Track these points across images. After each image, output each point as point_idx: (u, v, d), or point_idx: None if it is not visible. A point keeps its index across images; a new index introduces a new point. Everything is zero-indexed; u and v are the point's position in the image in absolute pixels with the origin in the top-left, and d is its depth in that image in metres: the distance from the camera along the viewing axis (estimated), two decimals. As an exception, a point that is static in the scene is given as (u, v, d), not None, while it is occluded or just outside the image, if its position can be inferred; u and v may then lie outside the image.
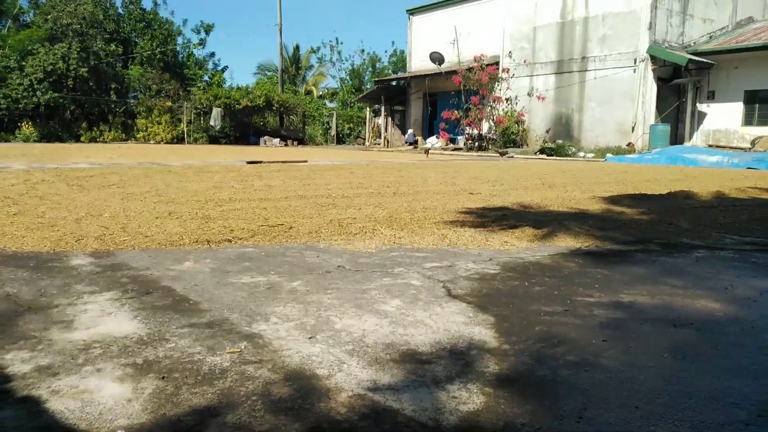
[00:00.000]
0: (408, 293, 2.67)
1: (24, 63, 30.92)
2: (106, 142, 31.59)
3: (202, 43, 45.40)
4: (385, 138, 32.38)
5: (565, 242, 3.92)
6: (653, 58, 21.03)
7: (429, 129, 31.36)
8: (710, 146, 20.34)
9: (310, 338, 2.08)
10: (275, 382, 1.72)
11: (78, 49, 31.91)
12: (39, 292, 2.62)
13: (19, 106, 30.72)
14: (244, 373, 1.78)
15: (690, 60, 20.30)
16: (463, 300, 2.57)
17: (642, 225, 4.63)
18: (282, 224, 4.41)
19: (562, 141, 23.08)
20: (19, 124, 31.63)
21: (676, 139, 21.65)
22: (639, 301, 2.61)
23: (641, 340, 2.10)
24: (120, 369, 1.80)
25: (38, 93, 30.62)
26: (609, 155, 19.34)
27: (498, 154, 21.33)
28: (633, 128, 21.55)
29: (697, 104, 21.90)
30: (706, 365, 1.88)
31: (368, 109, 35.49)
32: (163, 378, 1.73)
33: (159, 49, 38.92)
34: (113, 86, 34.23)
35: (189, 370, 1.79)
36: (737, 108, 21.23)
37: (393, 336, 2.12)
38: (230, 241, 3.83)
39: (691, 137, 21.84)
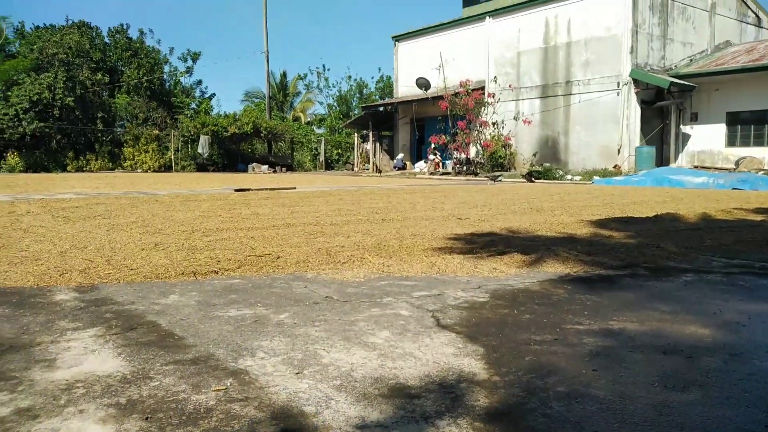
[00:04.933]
0: (397, 324, 2.65)
1: (9, 93, 30.89)
2: (92, 172, 31.47)
3: (188, 71, 45.64)
4: (373, 163, 32.53)
5: (554, 268, 3.92)
6: (636, 82, 21.41)
7: (417, 154, 31.56)
8: (695, 167, 20.61)
9: (297, 374, 2.05)
10: (261, 420, 1.68)
11: (64, 79, 31.97)
12: (21, 329, 2.57)
13: (5, 136, 30.61)
14: (229, 411, 1.74)
15: (672, 83, 20.69)
16: (453, 330, 2.55)
17: (630, 249, 4.65)
18: (269, 254, 4.38)
19: (549, 164, 23.30)
20: (4, 154, 31.49)
21: (662, 160, 21.93)
22: (628, 328, 2.60)
23: (631, 369, 2.09)
24: (103, 410, 1.75)
25: (24, 123, 30.55)
26: (596, 178, 19.53)
27: (488, 179, 21.43)
28: (619, 150, 21.82)
29: (681, 126, 22.25)
30: (696, 394, 1.86)
31: (356, 134, 35.69)
32: (146, 419, 1.69)
33: (146, 78, 39.06)
34: (100, 115, 34.24)
35: (173, 410, 1.75)
36: (720, 129, 21.59)
37: (382, 370, 2.09)
38: (217, 272, 3.79)
39: (676, 159, 22.14)
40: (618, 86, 21.83)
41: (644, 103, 21.86)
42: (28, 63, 32.36)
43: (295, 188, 13.93)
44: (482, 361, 2.16)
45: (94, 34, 39.83)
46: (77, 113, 32.80)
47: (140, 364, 2.14)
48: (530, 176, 20.71)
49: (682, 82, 21.25)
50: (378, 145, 33.32)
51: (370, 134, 32.99)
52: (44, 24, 39.52)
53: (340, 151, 40.87)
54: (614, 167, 21.40)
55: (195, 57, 45.53)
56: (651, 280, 3.63)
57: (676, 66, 22.86)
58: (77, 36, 36.39)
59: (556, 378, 2.00)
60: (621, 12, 21.69)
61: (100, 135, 34.31)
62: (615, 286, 3.44)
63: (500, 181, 20.50)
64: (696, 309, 2.93)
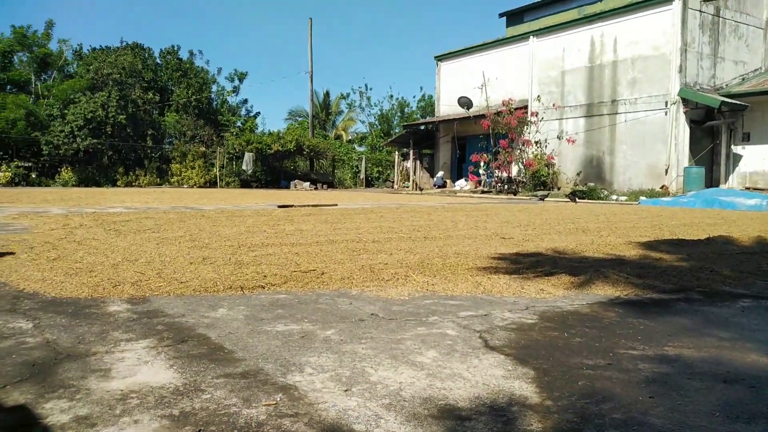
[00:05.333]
0: (444, 344, 2.62)
1: (66, 111, 32.23)
2: (141, 187, 32.44)
3: (235, 90, 46.90)
4: (413, 181, 32.57)
5: (603, 290, 3.83)
6: (685, 101, 20.91)
7: (458, 172, 31.47)
8: (747, 189, 19.92)
9: (345, 391, 2.05)
10: (312, 437, 1.68)
11: (117, 98, 33.19)
12: (77, 339, 2.65)
13: (60, 152, 31.90)
14: (280, 427, 1.75)
15: (723, 102, 20.11)
16: (501, 352, 2.51)
17: (682, 272, 4.50)
18: (314, 270, 4.41)
19: (593, 184, 22.89)
20: (59, 169, 32.79)
21: (711, 181, 21.28)
22: (685, 354, 2.51)
23: (690, 397, 2.01)
24: (157, 421, 1.78)
25: (78, 139, 31.79)
26: (643, 198, 19.07)
27: (536, 198, 21.05)
28: (666, 171, 21.28)
29: (732, 146, 21.57)
30: (764, 427, 1.78)
31: (397, 152, 35.85)
32: (199, 431, 1.71)
33: (194, 97, 40.23)
34: (150, 132, 35.36)
35: (225, 423, 1.77)
36: (774, 150, 20.85)
37: (430, 390, 2.07)
38: (263, 287, 3.84)
39: (726, 180, 21.44)
40: (666, 105, 21.36)
41: (693, 123, 21.31)
42: (84, 83, 33.77)
43: (336, 205, 14.05)
44: (533, 385, 2.11)
45: (146, 55, 41.40)
46: (128, 130, 33.95)
47: (192, 376, 2.17)
48: (574, 196, 20.37)
49: (733, 101, 20.64)
50: (418, 163, 33.37)
51: (411, 152, 33.09)
52: (100, 46, 41.31)
53: (380, 168, 41.10)
54: (661, 188, 20.86)
55: (242, 77, 46.80)
56: (706, 305, 3.51)
57: (727, 85, 22.25)
58: (131, 57, 37.85)
59: (611, 404, 1.94)
60: (669, 31, 21.29)
61: (149, 151, 35.41)
62: (668, 311, 3.33)
63: (542, 200, 20.21)
64: (756, 336, 2.81)
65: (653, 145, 21.86)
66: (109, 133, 32.89)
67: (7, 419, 1.80)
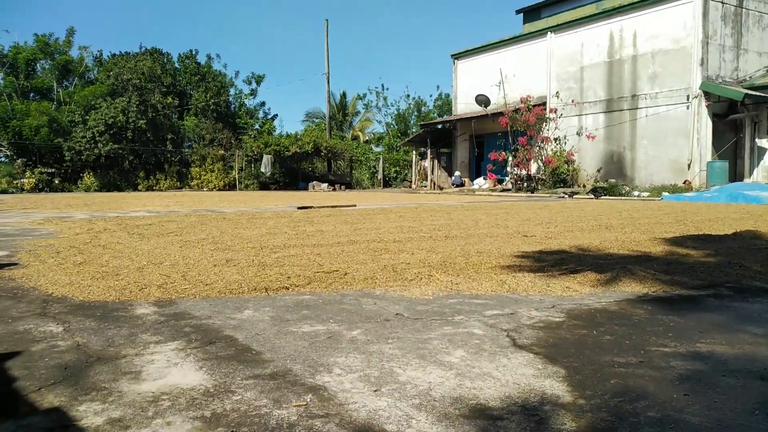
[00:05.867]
0: (471, 343, 2.61)
1: (87, 117, 32.71)
2: (162, 191, 32.80)
3: (253, 93, 47.16)
4: (431, 180, 32.50)
5: (631, 287, 3.78)
6: (707, 94, 20.59)
7: (476, 170, 31.34)
8: (772, 182, 19.54)
9: (375, 391, 2.04)
10: (344, 438, 1.68)
11: (137, 103, 33.60)
12: (107, 341, 2.68)
13: (82, 157, 32.39)
14: (312, 427, 1.74)
15: (746, 95, 19.76)
16: (530, 350, 2.48)
17: (710, 268, 4.42)
18: (337, 270, 4.42)
19: (614, 180, 22.64)
20: (81, 174, 33.29)
21: (735, 176, 20.92)
22: (718, 351, 2.46)
23: (727, 395, 1.97)
24: (189, 422, 1.79)
25: (99, 145, 32.25)
26: (665, 194, 18.81)
27: (566, 195, 20.77)
28: (689, 166, 20.98)
29: (756, 139, 21.18)
30: (804, 424, 1.73)
31: (414, 152, 35.81)
32: (231, 432, 1.72)
33: (212, 101, 40.57)
34: (169, 137, 35.75)
35: (257, 424, 1.77)
36: (799, 142, 20.43)
37: (460, 389, 2.05)
38: (287, 288, 3.85)
39: (751, 174, 21.07)
40: (688, 99, 21.05)
41: (716, 117, 20.97)
42: (104, 89, 34.25)
43: (355, 206, 14.06)
44: (565, 384, 2.09)
45: (165, 60, 41.83)
46: (148, 135, 34.37)
47: (221, 377, 2.18)
48: (596, 192, 20.16)
49: (757, 93, 20.27)
50: (436, 162, 33.30)
51: (428, 151, 33.03)
52: (120, 51, 41.86)
53: (397, 168, 41.09)
54: (684, 183, 20.57)
55: (259, 80, 47.06)
56: (737, 300, 3.44)
57: (750, 77, 21.85)
58: (150, 62, 38.30)
59: (645, 402, 1.91)
60: (690, 24, 20.98)
61: (169, 155, 35.80)
62: (698, 307, 3.27)
63: (571, 197, 20.01)
64: (791, 332, 2.74)
65: (675, 140, 21.56)
66: (130, 138, 33.31)
67: (43, 421, 1.82)
